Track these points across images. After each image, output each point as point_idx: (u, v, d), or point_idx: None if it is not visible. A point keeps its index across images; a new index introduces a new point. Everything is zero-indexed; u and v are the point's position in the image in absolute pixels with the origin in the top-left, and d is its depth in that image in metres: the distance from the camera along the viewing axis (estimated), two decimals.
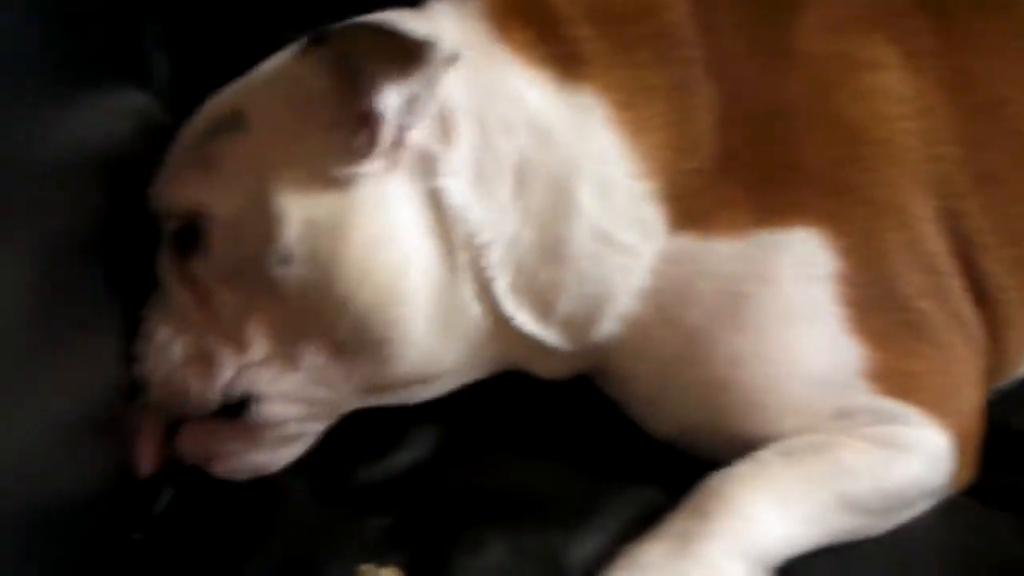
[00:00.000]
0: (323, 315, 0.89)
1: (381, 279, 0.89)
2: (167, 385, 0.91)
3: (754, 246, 0.91)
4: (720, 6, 0.95)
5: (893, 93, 0.94)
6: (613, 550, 0.85)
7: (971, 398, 0.93)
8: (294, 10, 1.07)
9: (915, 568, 0.89)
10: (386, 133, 0.87)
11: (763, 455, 0.87)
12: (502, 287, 0.91)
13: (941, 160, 0.94)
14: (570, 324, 0.93)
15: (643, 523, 0.86)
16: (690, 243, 0.91)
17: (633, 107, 0.91)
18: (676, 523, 0.84)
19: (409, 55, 0.84)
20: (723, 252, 0.91)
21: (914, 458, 0.88)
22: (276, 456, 0.94)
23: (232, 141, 0.91)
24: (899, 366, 0.90)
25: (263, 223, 0.88)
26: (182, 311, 0.92)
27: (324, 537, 0.88)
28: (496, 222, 0.90)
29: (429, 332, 0.91)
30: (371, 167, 0.88)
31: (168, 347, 0.91)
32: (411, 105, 0.87)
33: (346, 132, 0.88)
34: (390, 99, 0.86)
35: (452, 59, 0.84)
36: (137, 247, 0.93)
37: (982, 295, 0.95)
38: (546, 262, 0.91)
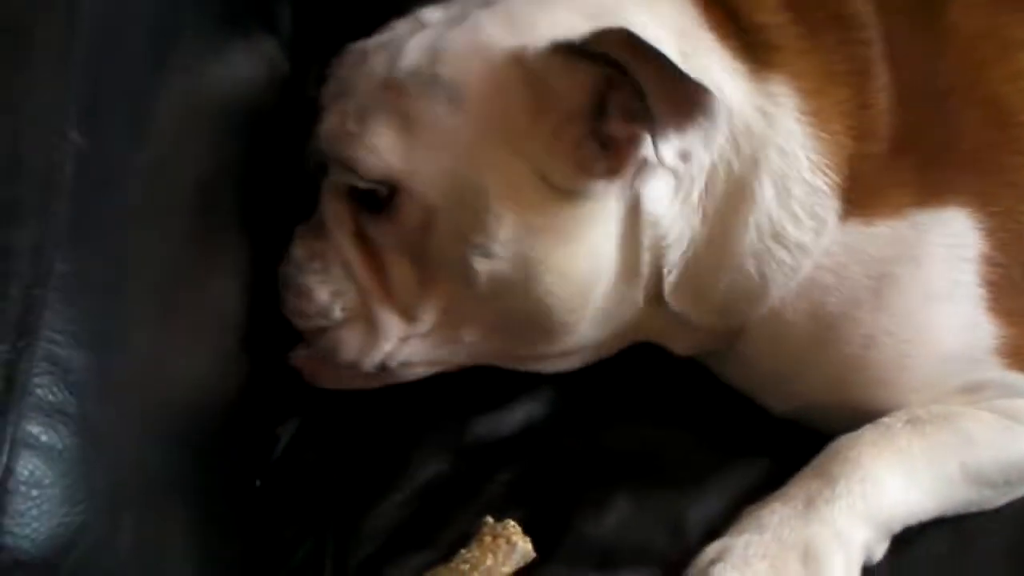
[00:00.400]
0: (504, 305, 0.88)
1: (576, 284, 0.88)
2: (322, 340, 0.91)
3: (910, 226, 0.90)
4: None
5: None
6: (732, 513, 0.86)
7: None
8: None
9: None
10: (634, 167, 0.86)
11: (889, 421, 0.87)
12: (672, 279, 0.90)
13: None
14: (722, 310, 0.92)
15: (759, 490, 0.87)
16: (853, 231, 0.90)
17: (820, 95, 0.90)
18: (802, 484, 0.85)
19: (692, 109, 0.80)
20: (881, 236, 0.90)
21: None
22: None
23: (443, 111, 0.86)
24: None
25: (471, 214, 0.86)
26: (347, 266, 0.90)
27: (447, 490, 0.89)
28: (684, 223, 0.89)
29: (592, 322, 0.90)
30: (597, 186, 0.86)
31: (331, 306, 0.90)
32: (681, 158, 0.81)
33: (582, 147, 0.85)
34: (662, 149, 0.80)
35: (727, 115, 0.83)
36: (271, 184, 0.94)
37: None
38: (713, 255, 0.89)
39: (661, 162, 0.80)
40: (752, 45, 0.90)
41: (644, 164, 0.86)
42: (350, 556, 0.86)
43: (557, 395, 0.96)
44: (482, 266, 0.86)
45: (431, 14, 0.93)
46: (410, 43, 0.89)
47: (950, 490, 0.87)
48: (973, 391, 0.89)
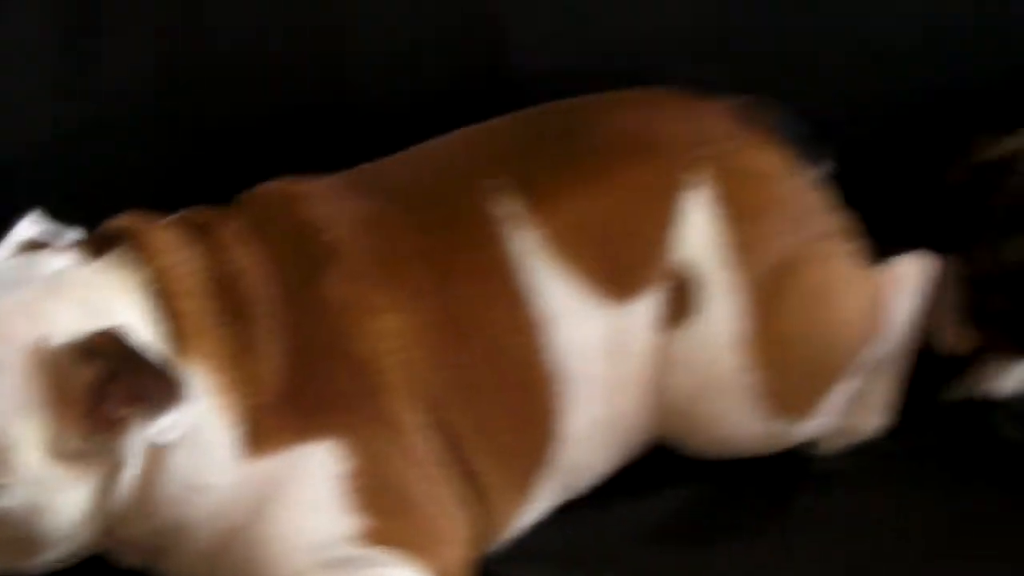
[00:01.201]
0: (12, 530, 1.14)
1: (66, 523, 1.14)
2: None
3: (293, 457, 1.19)
4: (272, 268, 1.24)
5: (392, 332, 1.24)
6: None
7: (455, 553, 1.23)
8: None
9: None
10: (125, 442, 1.12)
11: None
12: (118, 517, 1.17)
13: (432, 382, 1.24)
14: (152, 538, 1.20)
15: None
16: (249, 466, 1.19)
17: (224, 370, 1.18)
18: None
19: (169, 397, 1.09)
20: (270, 467, 1.19)
21: None
22: None
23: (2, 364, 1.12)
24: (389, 530, 1.19)
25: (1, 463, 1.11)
26: None
27: None
28: (134, 480, 1.16)
29: (70, 544, 1.17)
30: (95, 455, 1.13)
31: None
32: (160, 433, 1.11)
33: (86, 424, 1.11)
34: (147, 428, 1.10)
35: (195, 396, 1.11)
36: None
37: (469, 478, 1.26)
38: (145, 498, 1.17)
39: (149, 438, 1.10)
40: (178, 331, 1.19)
41: (128, 439, 1.13)
42: None
43: None
44: (3, 501, 1.12)
45: None
46: None
47: None
48: (343, 565, 1.18)
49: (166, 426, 1.11)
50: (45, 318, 1.15)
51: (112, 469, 1.15)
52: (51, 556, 1.17)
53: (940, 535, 1.33)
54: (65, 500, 1.14)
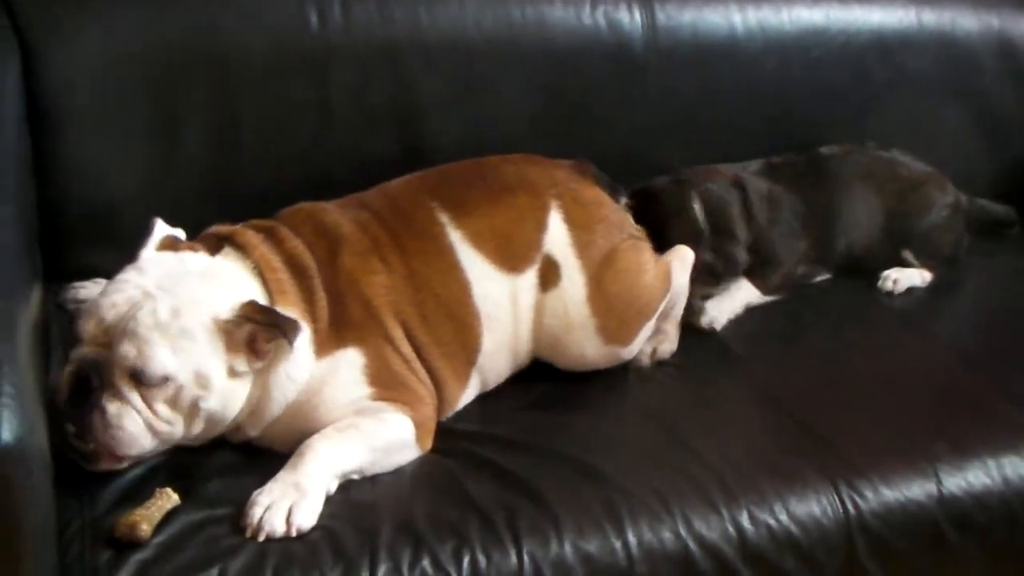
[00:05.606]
0: (210, 418, 1.89)
1: (234, 409, 1.91)
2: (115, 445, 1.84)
3: (333, 360, 2.00)
4: (310, 250, 2.06)
5: (381, 284, 2.07)
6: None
7: (427, 411, 2.05)
8: None
9: (407, 486, 1.98)
10: (265, 360, 1.90)
11: (326, 431, 1.95)
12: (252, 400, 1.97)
13: (406, 313, 2.08)
14: (263, 413, 1.98)
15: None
16: (315, 364, 1.98)
17: (301, 311, 1.95)
18: (285, 469, 1.90)
19: (295, 332, 1.88)
20: (324, 364, 1.99)
21: (395, 429, 1.98)
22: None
23: (188, 339, 1.84)
24: (389, 395, 2.01)
25: (203, 385, 1.85)
26: (141, 412, 1.83)
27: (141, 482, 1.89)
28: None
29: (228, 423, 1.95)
30: (248, 371, 1.90)
31: (143, 433, 1.85)
32: (294, 351, 1.92)
33: (245, 353, 1.88)
34: (287, 347, 1.90)
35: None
36: None
37: (430, 371, 2.09)
38: (264, 387, 1.95)
39: (290, 351, 1.93)
40: (275, 292, 1.98)
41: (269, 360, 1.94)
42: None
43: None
44: (204, 404, 1.89)
45: (139, 279, 1.89)
46: (159, 304, 1.84)
47: (360, 456, 1.94)
48: (363, 412, 1.99)
49: (297, 347, 1.93)
50: (214, 299, 1.92)
51: (259, 378, 1.94)
52: (217, 432, 1.96)
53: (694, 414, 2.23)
54: (236, 399, 1.93)
